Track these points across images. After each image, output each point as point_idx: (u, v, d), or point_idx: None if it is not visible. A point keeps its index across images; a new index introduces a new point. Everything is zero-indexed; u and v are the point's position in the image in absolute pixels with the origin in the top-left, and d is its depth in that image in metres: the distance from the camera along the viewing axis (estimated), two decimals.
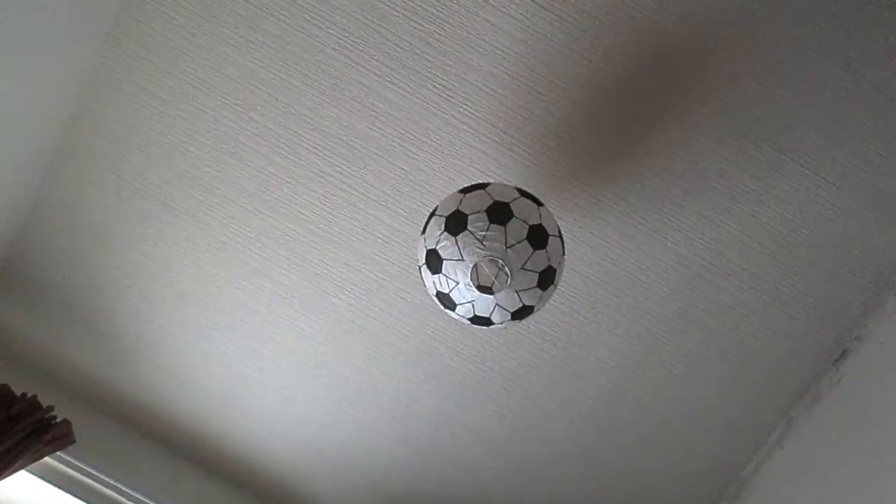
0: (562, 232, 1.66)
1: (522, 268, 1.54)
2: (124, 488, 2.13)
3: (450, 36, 1.79)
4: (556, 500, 2.34)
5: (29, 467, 2.01)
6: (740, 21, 1.73)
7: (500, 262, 1.52)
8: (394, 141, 1.91)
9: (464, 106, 1.86)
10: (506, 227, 1.53)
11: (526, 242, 1.54)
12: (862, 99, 1.77)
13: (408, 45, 1.81)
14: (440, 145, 1.90)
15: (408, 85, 1.85)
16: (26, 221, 2.12)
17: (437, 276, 1.58)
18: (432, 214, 1.64)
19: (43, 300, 2.22)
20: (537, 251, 1.55)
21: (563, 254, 1.64)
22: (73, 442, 2.05)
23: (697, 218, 1.92)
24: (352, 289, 2.09)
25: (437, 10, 1.78)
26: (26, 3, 1.66)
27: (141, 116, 1.97)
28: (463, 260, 1.53)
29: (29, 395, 2.02)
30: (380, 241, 2.03)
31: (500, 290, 1.53)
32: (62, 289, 2.20)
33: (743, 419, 2.14)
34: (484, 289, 1.52)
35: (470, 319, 1.62)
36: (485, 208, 1.56)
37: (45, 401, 2.04)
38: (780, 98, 1.79)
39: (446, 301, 1.61)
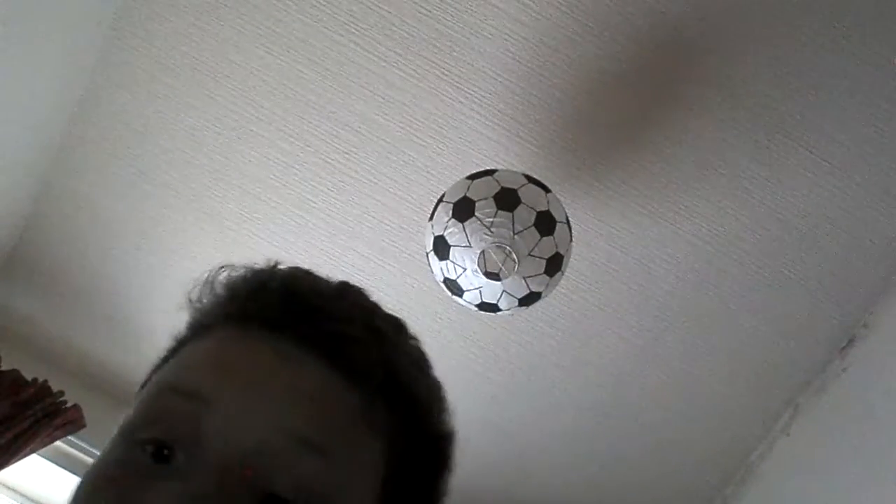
0: (569, 218, 1.66)
1: (530, 254, 1.54)
2: None
3: (457, 21, 1.78)
4: (557, 487, 2.35)
5: (40, 451, 2.03)
6: (751, 7, 1.72)
7: (508, 248, 1.52)
8: (401, 127, 1.91)
9: (471, 92, 1.85)
10: (513, 213, 1.54)
11: (533, 229, 1.54)
12: (872, 84, 1.75)
13: (415, 30, 1.80)
14: (447, 131, 1.90)
15: (415, 71, 1.84)
16: (34, 209, 2.13)
17: (444, 262, 1.59)
18: (440, 201, 1.64)
19: (52, 287, 2.23)
20: (545, 237, 1.56)
21: (571, 240, 1.64)
22: (83, 426, 2.07)
23: (706, 204, 1.91)
24: (359, 276, 2.09)
25: None
26: None
27: (148, 102, 1.96)
28: (470, 246, 1.54)
29: (39, 381, 2.04)
30: (387, 227, 2.03)
31: (507, 277, 1.53)
32: (71, 275, 2.21)
33: (749, 406, 2.14)
34: (491, 275, 1.53)
35: (477, 306, 1.63)
36: (492, 195, 1.56)
37: (55, 386, 2.06)
38: (790, 84, 1.77)
39: (454, 287, 1.62)
